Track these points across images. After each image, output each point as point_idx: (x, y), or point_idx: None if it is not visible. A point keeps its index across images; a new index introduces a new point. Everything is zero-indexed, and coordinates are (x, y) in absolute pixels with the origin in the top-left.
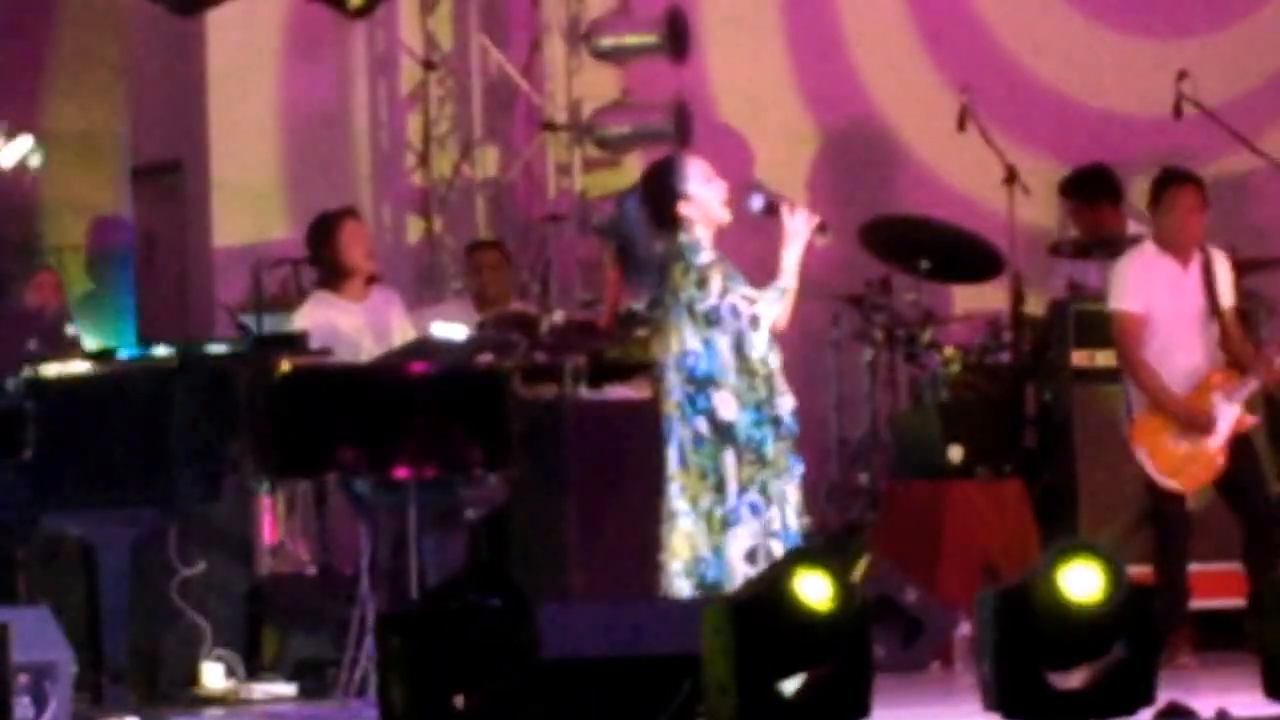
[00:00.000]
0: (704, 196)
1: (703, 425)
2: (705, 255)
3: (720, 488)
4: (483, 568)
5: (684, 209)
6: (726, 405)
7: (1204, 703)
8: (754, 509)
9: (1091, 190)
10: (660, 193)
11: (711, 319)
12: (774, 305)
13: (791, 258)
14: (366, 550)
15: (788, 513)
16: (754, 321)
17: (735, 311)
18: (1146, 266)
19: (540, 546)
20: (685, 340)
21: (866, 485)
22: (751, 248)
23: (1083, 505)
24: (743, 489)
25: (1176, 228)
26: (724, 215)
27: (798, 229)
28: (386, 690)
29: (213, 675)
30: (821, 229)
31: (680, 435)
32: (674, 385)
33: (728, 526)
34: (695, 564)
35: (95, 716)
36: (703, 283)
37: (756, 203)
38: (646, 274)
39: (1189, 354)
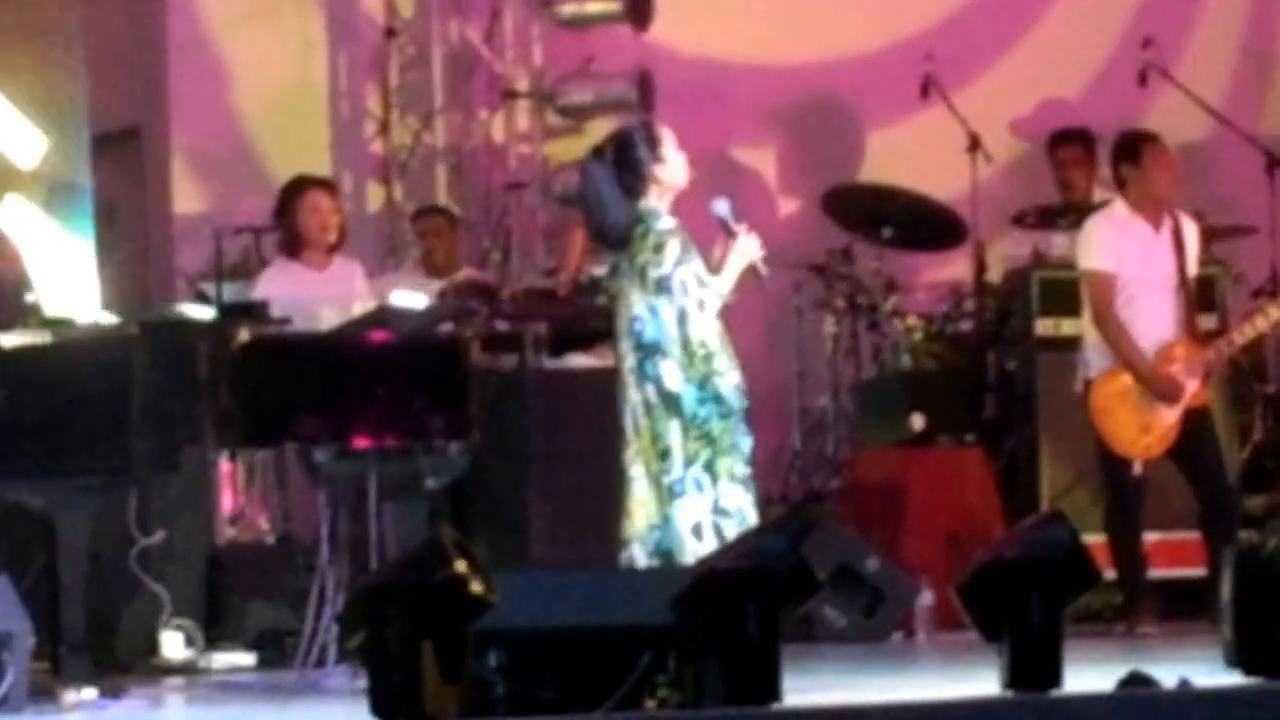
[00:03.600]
0: (674, 162)
1: (651, 392)
2: (665, 221)
3: (667, 455)
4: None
5: (658, 172)
6: (672, 375)
7: (1166, 672)
8: (698, 485)
9: (1091, 142)
10: (634, 157)
11: (661, 286)
12: (716, 301)
13: (733, 272)
14: (326, 520)
15: (736, 491)
16: (700, 304)
17: (685, 288)
18: (1118, 225)
19: (501, 516)
20: (633, 306)
21: (829, 454)
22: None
23: (1045, 474)
24: (688, 462)
25: (1153, 183)
26: (684, 181)
27: (748, 248)
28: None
29: (172, 645)
30: (759, 268)
31: (633, 401)
32: (626, 351)
33: (674, 497)
34: (649, 530)
35: (54, 687)
36: (659, 248)
37: (721, 207)
38: (615, 238)
39: (1155, 319)
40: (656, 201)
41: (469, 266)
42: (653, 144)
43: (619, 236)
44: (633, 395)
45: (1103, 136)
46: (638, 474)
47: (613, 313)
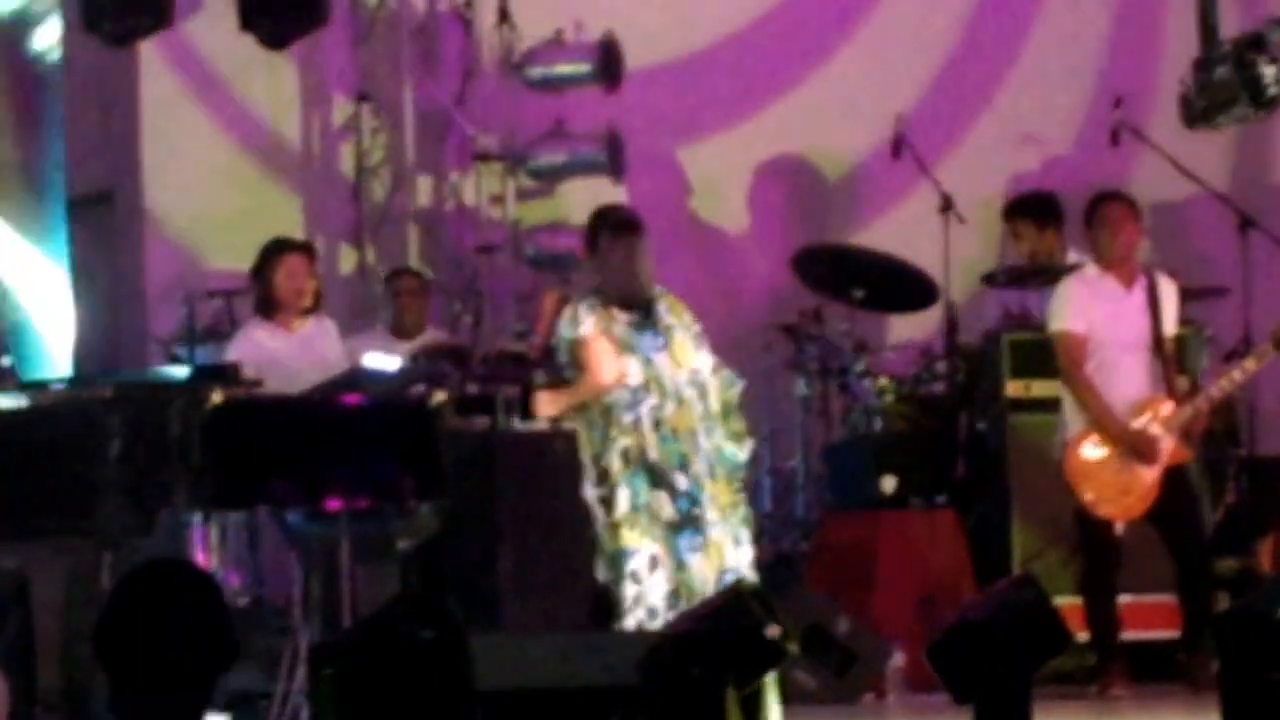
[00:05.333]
0: None
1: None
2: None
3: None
4: (414, 598)
5: None
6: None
7: None
8: (739, 538)
9: (1040, 213)
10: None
11: (700, 343)
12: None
13: None
14: (299, 582)
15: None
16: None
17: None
18: (1088, 287)
19: (473, 577)
20: (695, 359)
21: (799, 516)
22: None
23: (1016, 536)
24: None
25: (1110, 240)
26: None
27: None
28: None
29: None
30: None
31: (705, 448)
32: (694, 400)
33: (740, 544)
34: (721, 575)
35: None
36: (695, 317)
37: None
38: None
39: (1129, 380)
40: None
41: (433, 328)
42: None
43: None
44: (705, 443)
45: (1075, 197)
46: (713, 518)
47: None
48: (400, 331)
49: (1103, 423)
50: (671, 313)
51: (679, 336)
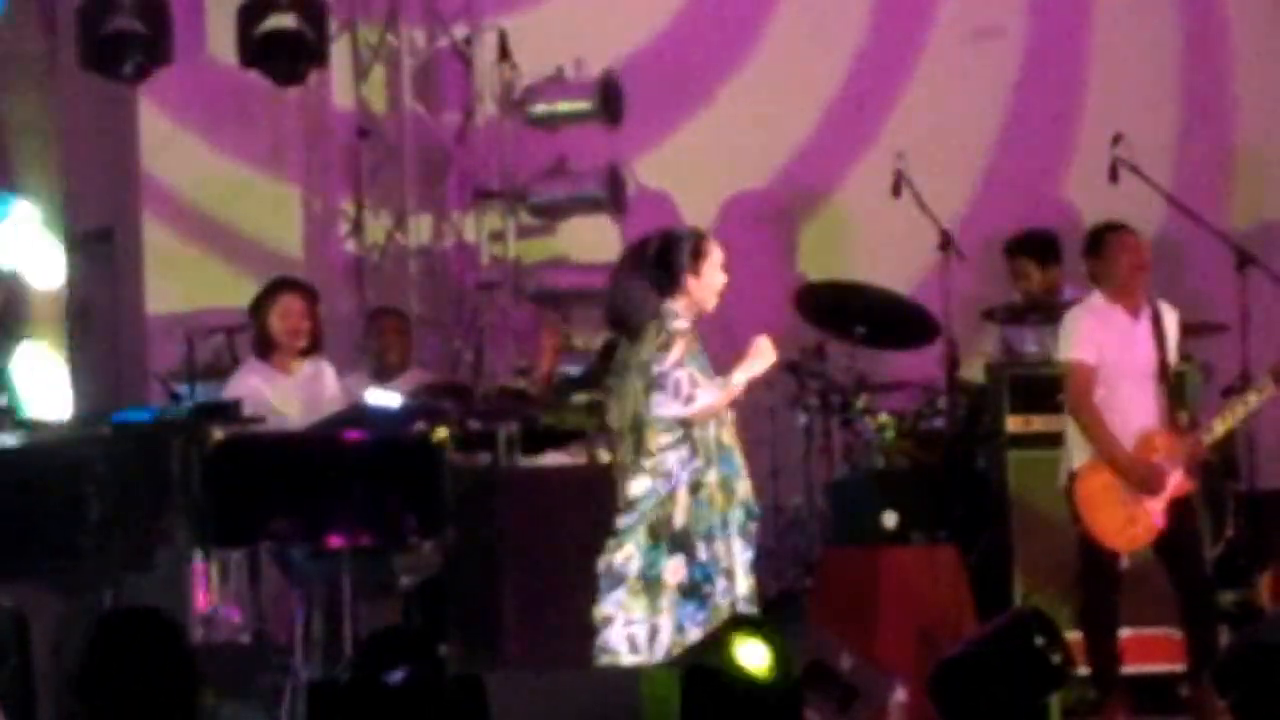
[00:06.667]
0: (709, 281)
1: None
2: (681, 322)
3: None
4: (397, 634)
5: (690, 283)
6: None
7: None
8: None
9: (1043, 251)
10: (673, 259)
11: (658, 384)
12: (711, 396)
13: (744, 374)
14: (300, 619)
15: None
16: (688, 400)
17: (677, 385)
18: (1098, 316)
19: (476, 614)
20: (639, 403)
21: (802, 552)
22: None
23: (1017, 571)
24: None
25: (1121, 273)
26: (711, 305)
27: (761, 353)
28: None
29: None
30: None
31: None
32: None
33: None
34: None
35: None
36: (665, 346)
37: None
38: (629, 327)
39: (1137, 409)
40: (680, 308)
41: (419, 368)
42: (696, 255)
43: (633, 327)
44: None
45: (1074, 233)
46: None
47: (608, 412)
48: (382, 372)
49: (1110, 455)
50: (636, 351)
51: (632, 379)
